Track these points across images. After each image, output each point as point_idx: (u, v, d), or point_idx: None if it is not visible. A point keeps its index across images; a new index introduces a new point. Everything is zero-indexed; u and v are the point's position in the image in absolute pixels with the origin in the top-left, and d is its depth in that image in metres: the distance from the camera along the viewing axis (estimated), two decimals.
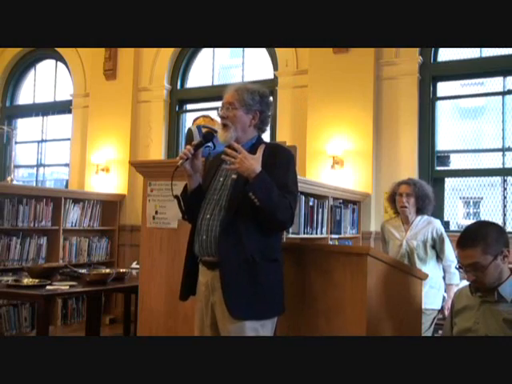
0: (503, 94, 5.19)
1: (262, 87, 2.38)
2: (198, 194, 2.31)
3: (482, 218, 5.63)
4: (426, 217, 3.74)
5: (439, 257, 3.69)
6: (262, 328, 2.15)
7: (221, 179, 2.29)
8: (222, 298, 2.13)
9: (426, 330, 3.54)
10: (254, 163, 2.10)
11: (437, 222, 3.73)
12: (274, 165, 2.19)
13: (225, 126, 2.28)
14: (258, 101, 2.29)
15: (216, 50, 6.59)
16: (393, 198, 3.82)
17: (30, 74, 7.76)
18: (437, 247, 3.67)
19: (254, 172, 2.08)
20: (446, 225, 5.03)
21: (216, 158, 2.42)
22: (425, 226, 3.69)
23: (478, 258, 2.05)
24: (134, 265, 4.89)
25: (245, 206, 2.13)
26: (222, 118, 2.29)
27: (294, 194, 2.21)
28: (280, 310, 2.25)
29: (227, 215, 2.17)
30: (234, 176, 2.24)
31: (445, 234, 3.69)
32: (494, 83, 5.31)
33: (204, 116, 3.28)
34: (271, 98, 2.39)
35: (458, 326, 2.21)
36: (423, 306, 3.03)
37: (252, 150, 2.24)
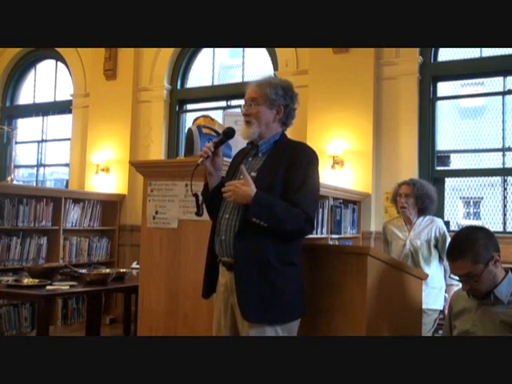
0: (503, 93, 5.19)
1: (287, 80, 2.31)
2: (219, 193, 2.23)
3: (482, 218, 5.62)
4: (428, 216, 3.74)
5: (441, 257, 3.69)
6: (283, 333, 2.10)
7: (241, 177, 2.18)
8: None
9: (429, 330, 3.54)
10: (247, 189, 2.04)
11: (439, 221, 3.73)
12: (293, 166, 2.14)
13: (248, 122, 2.23)
14: (281, 95, 2.23)
15: (216, 49, 6.60)
16: (395, 199, 3.82)
17: (30, 74, 7.76)
18: (439, 246, 3.67)
19: (250, 196, 2.03)
20: (447, 225, 5.00)
21: (239, 155, 2.38)
22: (427, 225, 3.69)
23: (469, 269, 2.04)
24: (134, 265, 4.89)
25: None
26: (245, 115, 2.24)
27: (309, 198, 2.13)
28: (299, 314, 2.18)
29: (244, 216, 2.10)
30: (253, 174, 2.18)
31: (447, 233, 3.69)
32: (494, 83, 5.31)
33: (204, 116, 3.28)
34: (296, 91, 2.31)
35: (457, 328, 2.20)
36: (425, 307, 3.03)
37: (276, 146, 2.25)
